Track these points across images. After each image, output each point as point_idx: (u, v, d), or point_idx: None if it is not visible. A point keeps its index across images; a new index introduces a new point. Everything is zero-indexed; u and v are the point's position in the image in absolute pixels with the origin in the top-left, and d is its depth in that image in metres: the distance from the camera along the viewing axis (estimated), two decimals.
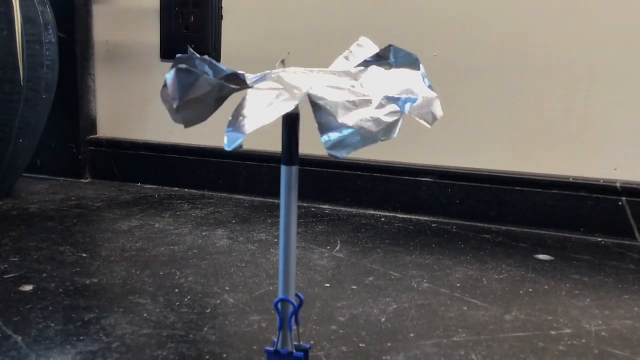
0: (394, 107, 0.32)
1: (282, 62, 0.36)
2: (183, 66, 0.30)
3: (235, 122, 0.30)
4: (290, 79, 0.33)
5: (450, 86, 0.81)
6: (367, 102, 0.32)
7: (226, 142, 0.30)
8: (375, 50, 0.38)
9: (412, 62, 0.35)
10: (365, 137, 0.31)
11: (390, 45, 0.36)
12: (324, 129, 0.31)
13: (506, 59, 0.78)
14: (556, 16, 0.76)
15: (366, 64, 0.35)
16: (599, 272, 0.63)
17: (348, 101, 0.32)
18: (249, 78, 0.33)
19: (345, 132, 0.31)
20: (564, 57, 0.76)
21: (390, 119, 0.32)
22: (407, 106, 0.33)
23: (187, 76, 0.30)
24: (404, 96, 0.33)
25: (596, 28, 0.74)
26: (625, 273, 0.63)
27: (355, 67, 0.35)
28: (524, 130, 0.79)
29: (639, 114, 0.74)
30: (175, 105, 0.31)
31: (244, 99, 0.31)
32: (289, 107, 0.30)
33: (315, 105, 0.32)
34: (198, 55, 0.32)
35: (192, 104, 0.31)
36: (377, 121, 0.32)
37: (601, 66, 0.75)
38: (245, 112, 0.30)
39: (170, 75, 0.30)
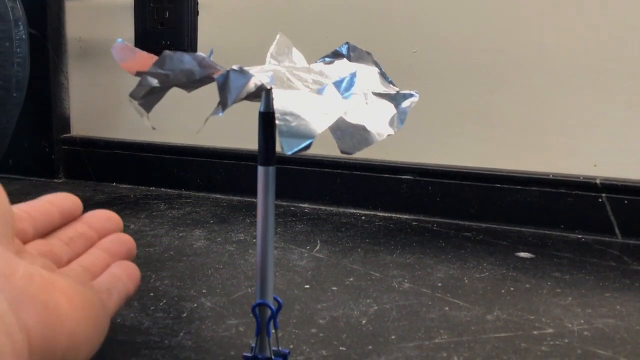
0: (386, 103, 0.32)
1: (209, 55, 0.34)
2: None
3: (288, 126, 0.28)
4: (299, 83, 0.31)
5: (429, 83, 0.80)
6: (361, 99, 0.32)
7: (285, 147, 0.27)
8: (289, 44, 0.37)
9: (366, 58, 0.35)
10: (373, 132, 0.30)
11: (346, 42, 0.35)
12: (334, 129, 0.30)
13: (485, 56, 0.78)
14: (537, 13, 0.75)
15: (324, 59, 0.34)
16: (580, 269, 0.62)
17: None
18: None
19: (354, 129, 0.30)
20: (544, 54, 0.76)
21: (390, 113, 0.31)
22: (407, 102, 0.32)
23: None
24: (401, 92, 0.33)
25: (577, 26, 0.74)
26: (606, 270, 0.62)
27: (314, 64, 0.34)
28: (503, 127, 0.78)
29: (618, 110, 0.74)
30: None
31: (281, 100, 0.29)
32: (340, 111, 0.29)
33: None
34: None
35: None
36: (380, 116, 0.31)
37: (581, 63, 0.74)
38: (297, 113, 0.28)
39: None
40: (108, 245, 0.42)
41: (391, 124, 0.31)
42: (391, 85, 0.34)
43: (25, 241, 0.37)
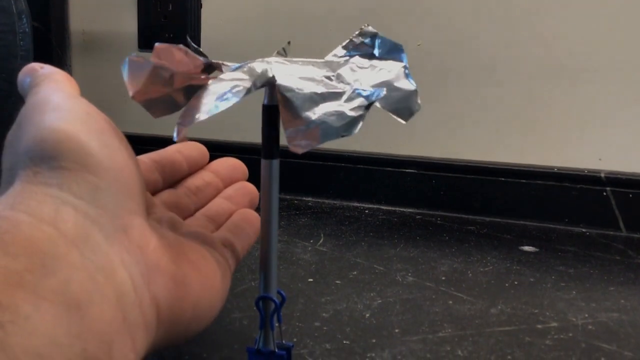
0: (361, 101, 0.31)
1: (283, 50, 0.34)
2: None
3: (184, 113, 0.29)
4: (262, 70, 0.31)
5: (433, 76, 0.80)
6: (337, 95, 0.31)
7: (174, 134, 0.29)
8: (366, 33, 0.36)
9: (395, 52, 0.34)
10: (326, 131, 0.30)
11: (375, 34, 0.35)
12: (286, 122, 0.30)
13: (490, 49, 0.77)
14: (542, 7, 0.75)
15: (350, 53, 0.34)
16: (584, 263, 0.62)
17: (316, 93, 0.31)
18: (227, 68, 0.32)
19: (307, 126, 0.30)
20: (549, 48, 0.75)
21: (354, 114, 0.30)
22: (375, 99, 0.31)
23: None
24: (371, 90, 0.32)
25: (583, 19, 0.74)
26: (610, 264, 0.62)
27: (341, 56, 0.34)
28: (507, 121, 0.78)
29: (623, 104, 0.73)
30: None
31: (201, 90, 0.30)
32: (235, 99, 0.29)
33: (281, 97, 0.30)
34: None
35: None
36: (340, 115, 0.30)
37: (585, 56, 0.74)
38: (196, 103, 0.30)
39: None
40: (232, 193, 0.43)
41: (349, 125, 0.30)
42: (410, 82, 0.33)
43: (154, 192, 0.37)
